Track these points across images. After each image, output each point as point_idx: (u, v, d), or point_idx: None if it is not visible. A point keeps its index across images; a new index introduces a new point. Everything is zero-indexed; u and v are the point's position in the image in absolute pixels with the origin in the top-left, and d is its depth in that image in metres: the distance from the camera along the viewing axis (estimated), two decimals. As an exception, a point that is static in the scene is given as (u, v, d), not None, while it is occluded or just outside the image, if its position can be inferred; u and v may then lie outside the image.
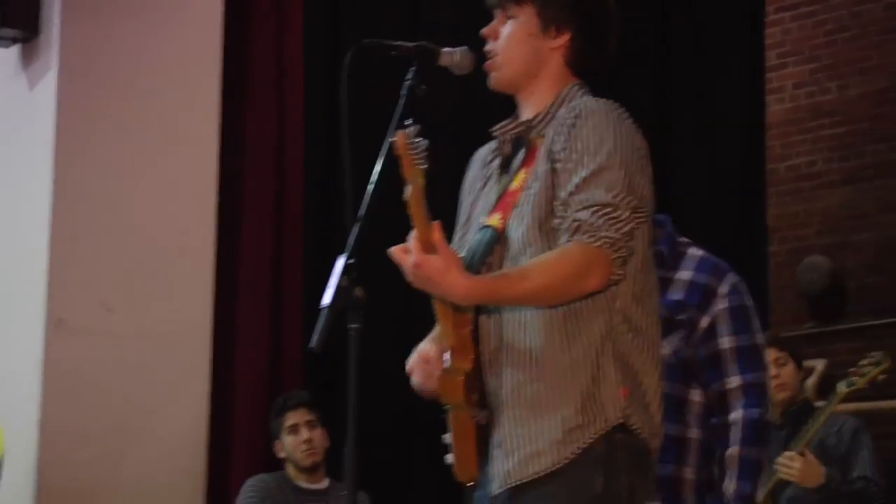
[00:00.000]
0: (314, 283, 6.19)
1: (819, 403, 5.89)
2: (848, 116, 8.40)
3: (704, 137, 7.82)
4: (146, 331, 5.94)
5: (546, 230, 2.93)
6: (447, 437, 3.06)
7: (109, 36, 6.03)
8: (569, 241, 2.86)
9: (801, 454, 5.18)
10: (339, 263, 2.89)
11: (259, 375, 6.37)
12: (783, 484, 5.31)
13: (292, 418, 5.82)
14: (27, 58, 6.00)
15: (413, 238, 2.83)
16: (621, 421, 2.90)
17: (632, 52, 7.64)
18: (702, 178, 7.64)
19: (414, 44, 3.10)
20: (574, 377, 2.90)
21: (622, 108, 3.02)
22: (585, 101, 3.02)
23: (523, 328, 2.95)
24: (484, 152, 3.25)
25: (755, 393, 3.78)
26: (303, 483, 5.84)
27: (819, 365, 8.13)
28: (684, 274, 3.81)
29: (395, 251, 2.86)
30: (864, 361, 5.32)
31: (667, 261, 3.81)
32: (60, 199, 5.86)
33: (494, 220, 3.05)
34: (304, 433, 5.80)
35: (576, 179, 2.90)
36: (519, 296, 2.88)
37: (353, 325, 2.88)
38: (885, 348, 7.88)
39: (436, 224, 2.83)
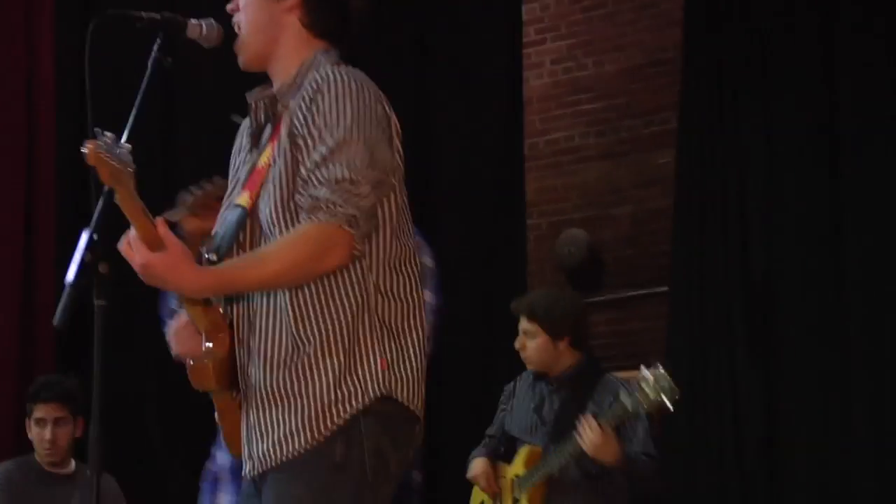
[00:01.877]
0: (68, 258, 6.04)
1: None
2: (605, 92, 8.56)
3: (464, 112, 7.87)
4: None
5: (291, 209, 2.90)
6: (216, 415, 3.03)
7: None
8: (307, 219, 2.83)
9: (601, 428, 5.19)
10: (84, 238, 2.82)
11: (8, 353, 6.19)
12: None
13: (40, 411, 5.61)
14: None
15: (134, 237, 2.78)
16: (382, 393, 2.88)
17: (390, 26, 7.65)
18: (462, 152, 7.69)
19: (159, 15, 3.04)
20: (327, 355, 2.87)
21: (364, 76, 2.97)
22: (326, 72, 2.96)
23: (273, 309, 2.91)
24: (247, 121, 3.20)
25: None
26: (49, 467, 5.68)
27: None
28: None
29: (122, 247, 2.81)
30: (649, 374, 5.20)
31: None
32: None
33: (243, 198, 3.01)
34: (48, 432, 5.59)
35: (315, 156, 2.86)
36: (256, 282, 2.86)
37: (98, 302, 2.83)
38: (637, 318, 8.15)
39: (159, 220, 2.79)
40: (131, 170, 2.73)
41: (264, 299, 2.92)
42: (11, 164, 6.25)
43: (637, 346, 8.04)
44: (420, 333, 2.98)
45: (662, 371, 5.22)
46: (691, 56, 7.28)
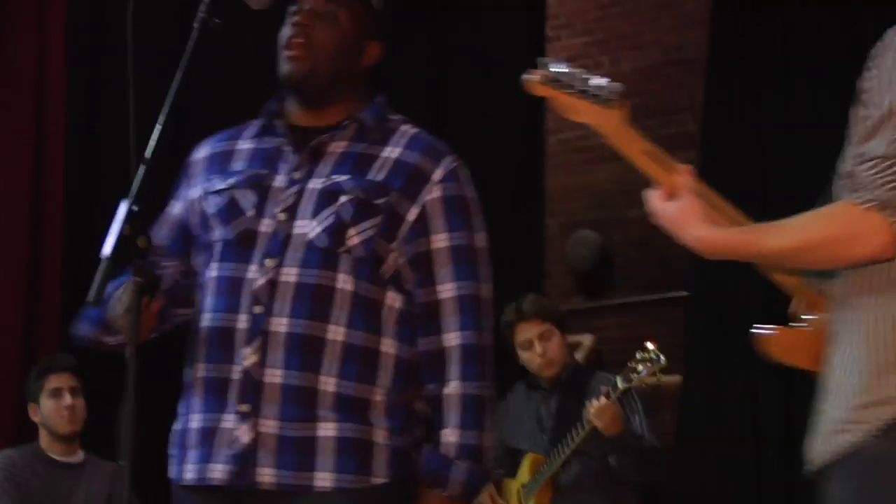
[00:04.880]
0: (74, 242, 5.89)
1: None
2: (620, 91, 8.42)
3: (484, 105, 7.69)
4: None
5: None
6: None
7: None
8: (843, 198, 2.47)
9: (611, 401, 5.16)
10: (122, 210, 2.65)
11: (13, 342, 6.05)
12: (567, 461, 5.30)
13: (56, 381, 5.48)
14: None
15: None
16: None
17: (407, 23, 7.49)
18: (481, 147, 7.50)
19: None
20: (868, 357, 2.49)
21: None
22: (892, 33, 2.56)
23: (840, 307, 2.60)
24: None
25: (472, 308, 3.06)
26: (56, 455, 5.51)
27: (586, 340, 8.13)
28: (391, 151, 3.09)
29: (647, 192, 2.68)
30: (641, 356, 5.21)
31: (370, 134, 3.11)
32: None
33: None
34: (67, 399, 5.47)
35: (859, 129, 2.50)
36: (770, 251, 2.57)
37: (136, 279, 2.66)
38: (651, 323, 8.00)
39: (683, 168, 2.62)
40: (612, 105, 2.54)
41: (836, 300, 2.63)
42: (19, 147, 6.09)
43: (649, 351, 7.89)
44: None
45: (651, 348, 5.22)
46: (716, 56, 7.12)
